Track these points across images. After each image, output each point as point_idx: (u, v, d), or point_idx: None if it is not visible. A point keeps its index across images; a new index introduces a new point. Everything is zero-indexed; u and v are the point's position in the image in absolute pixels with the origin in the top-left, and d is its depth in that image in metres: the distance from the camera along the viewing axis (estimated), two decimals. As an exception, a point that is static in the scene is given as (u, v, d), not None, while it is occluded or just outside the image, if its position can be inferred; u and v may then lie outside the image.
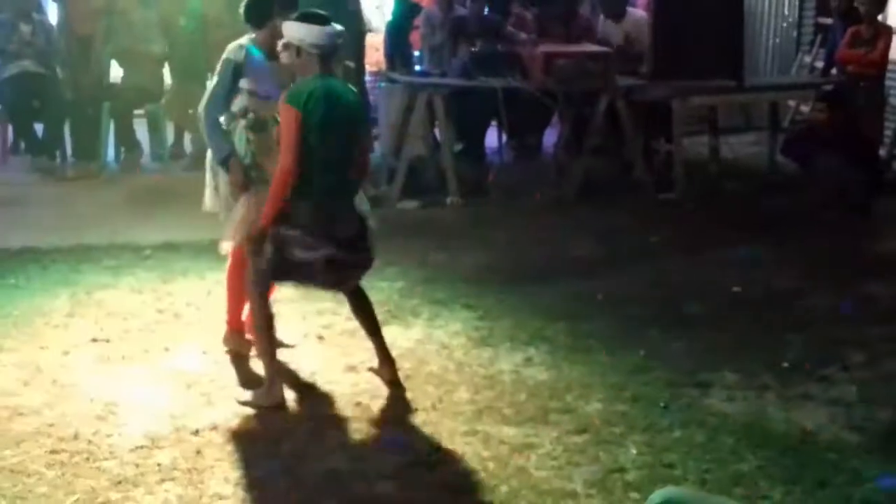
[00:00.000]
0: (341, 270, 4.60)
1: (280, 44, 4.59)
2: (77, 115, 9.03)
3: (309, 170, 4.43)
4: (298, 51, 4.49)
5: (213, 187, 5.05)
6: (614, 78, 8.26)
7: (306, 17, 4.52)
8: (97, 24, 8.92)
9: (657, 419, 4.39)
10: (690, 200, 7.98)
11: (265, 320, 4.61)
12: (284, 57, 4.59)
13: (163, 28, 9.04)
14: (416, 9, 10.02)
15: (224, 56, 4.92)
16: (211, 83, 5.02)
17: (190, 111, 9.19)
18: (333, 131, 4.46)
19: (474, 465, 4.01)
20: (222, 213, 5.00)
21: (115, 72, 9.38)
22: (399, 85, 8.88)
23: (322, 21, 4.51)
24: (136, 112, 9.31)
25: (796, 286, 6.07)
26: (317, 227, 4.46)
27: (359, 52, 9.32)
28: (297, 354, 5.11)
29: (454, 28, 9.11)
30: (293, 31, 4.49)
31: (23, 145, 9.25)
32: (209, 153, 5.03)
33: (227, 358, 5.05)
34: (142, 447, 4.13)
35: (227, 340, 5.17)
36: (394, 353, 4.97)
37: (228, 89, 4.89)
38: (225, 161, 4.85)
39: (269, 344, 4.64)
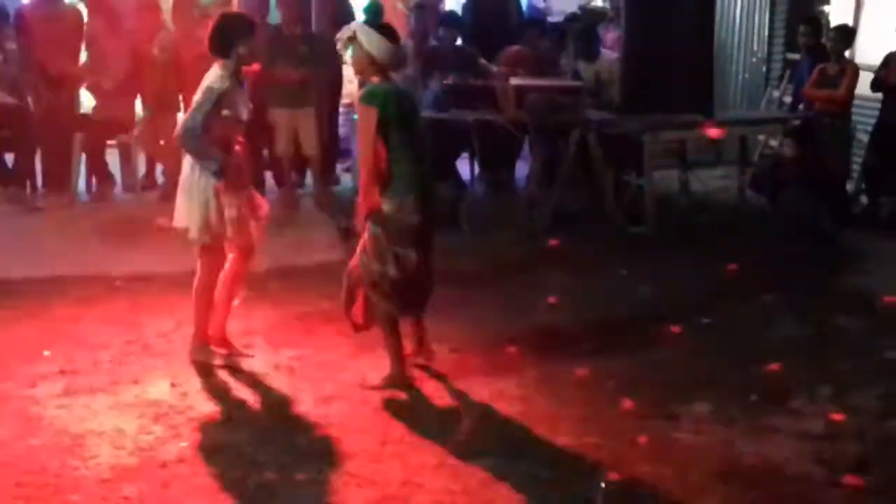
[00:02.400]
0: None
1: (343, 38, 4.97)
2: (48, 145, 8.99)
3: (399, 165, 4.88)
4: (365, 55, 4.91)
5: (191, 207, 5.15)
6: (585, 111, 8.33)
7: (380, 28, 4.98)
8: (65, 54, 8.88)
9: (626, 452, 4.40)
10: (660, 233, 8.03)
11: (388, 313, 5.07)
12: (346, 52, 5.04)
13: (135, 59, 9.02)
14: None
15: (207, 84, 5.07)
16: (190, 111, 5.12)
17: (162, 142, 9.20)
18: (411, 126, 4.94)
19: (444, 498, 4.00)
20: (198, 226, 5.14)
21: (87, 102, 9.37)
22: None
23: (392, 37, 4.96)
24: (108, 143, 9.30)
25: (765, 319, 6.12)
26: (414, 218, 4.96)
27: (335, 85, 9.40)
28: (267, 386, 5.10)
29: (428, 60, 9.17)
30: (366, 37, 4.90)
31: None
32: (189, 176, 5.13)
33: (196, 388, 5.03)
34: (109, 480, 4.10)
35: (196, 352, 5.30)
36: (365, 386, 5.00)
37: (209, 116, 5.03)
38: (221, 170, 5.05)
39: (394, 330, 5.10)
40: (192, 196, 5.14)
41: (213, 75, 5.12)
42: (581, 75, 9.03)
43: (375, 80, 4.97)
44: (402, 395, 4.98)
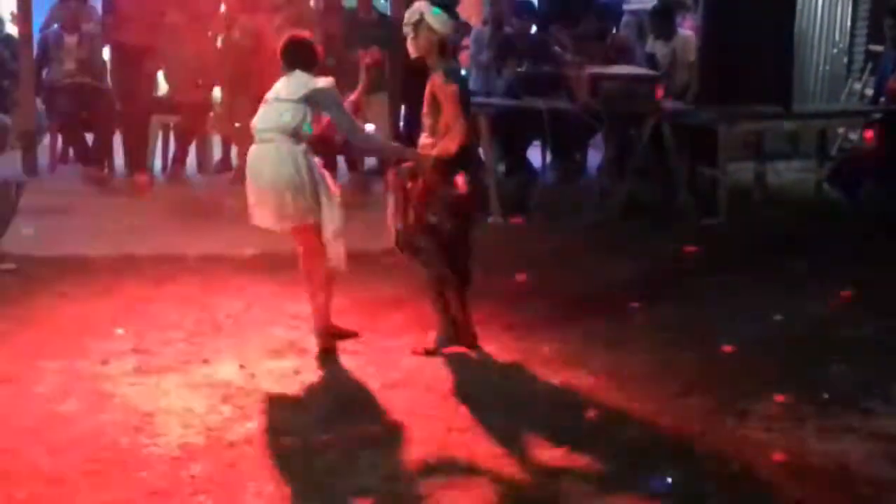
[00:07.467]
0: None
1: (410, 23, 5.04)
2: (126, 126, 9.12)
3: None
4: (434, 35, 5.00)
5: (292, 202, 5.11)
6: (660, 101, 8.24)
7: (445, 8, 5.16)
8: (146, 36, 8.98)
9: (694, 447, 4.34)
10: (733, 226, 7.92)
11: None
12: (411, 34, 5.06)
13: (215, 42, 9.11)
14: (464, 28, 10.06)
15: (330, 88, 5.15)
16: (340, 112, 5.17)
17: (237, 125, 9.29)
18: (469, 105, 5.09)
19: (509, 488, 3.98)
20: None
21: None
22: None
23: (454, 13, 5.15)
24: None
25: (839, 316, 5.99)
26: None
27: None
28: (333, 371, 5.12)
29: (502, 47, 9.14)
30: (435, 18, 5.00)
31: (72, 154, 9.38)
32: (276, 173, 5.09)
33: (264, 370, 5.07)
34: (177, 458, 4.14)
35: (322, 338, 5.33)
36: (429, 373, 5.00)
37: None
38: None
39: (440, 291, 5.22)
40: (303, 185, 5.11)
41: (329, 81, 5.17)
42: (656, 57, 8.95)
43: (436, 60, 5.03)
44: (467, 381, 4.97)
